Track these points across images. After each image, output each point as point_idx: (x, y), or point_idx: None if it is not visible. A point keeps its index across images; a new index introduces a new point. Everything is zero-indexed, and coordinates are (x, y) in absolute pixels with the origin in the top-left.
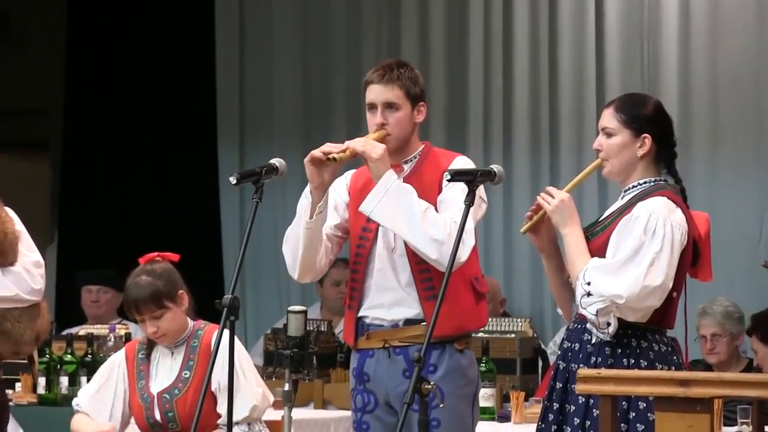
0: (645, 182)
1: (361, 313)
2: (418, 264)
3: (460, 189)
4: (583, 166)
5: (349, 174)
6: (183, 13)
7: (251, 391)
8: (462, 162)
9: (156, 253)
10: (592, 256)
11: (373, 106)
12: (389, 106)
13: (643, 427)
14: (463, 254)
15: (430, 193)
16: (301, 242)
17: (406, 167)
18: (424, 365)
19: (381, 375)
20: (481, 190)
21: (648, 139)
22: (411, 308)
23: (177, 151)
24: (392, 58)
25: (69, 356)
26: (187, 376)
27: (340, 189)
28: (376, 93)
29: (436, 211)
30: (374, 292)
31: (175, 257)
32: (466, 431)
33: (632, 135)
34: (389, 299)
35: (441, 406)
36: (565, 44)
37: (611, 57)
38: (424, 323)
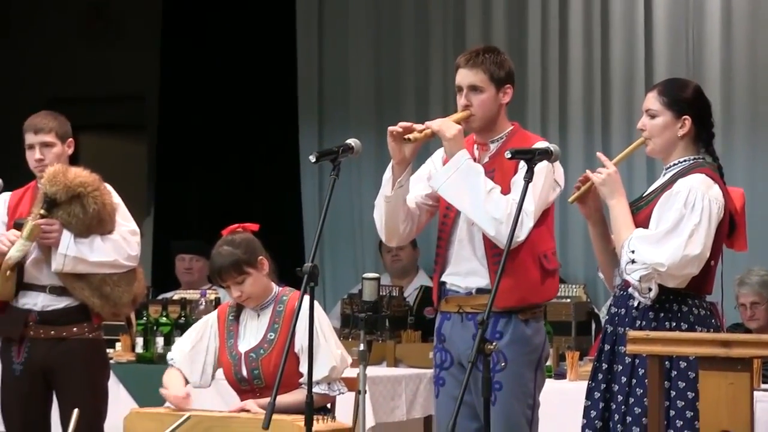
0: (685, 160)
1: (442, 279)
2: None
3: (536, 173)
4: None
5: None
6: (267, 5)
7: (331, 352)
8: (541, 144)
9: (237, 225)
10: (637, 227)
11: (459, 89)
12: (473, 88)
13: (684, 384)
14: (521, 234)
15: (508, 172)
16: (383, 211)
17: (492, 146)
18: (491, 332)
19: (455, 337)
20: (558, 175)
21: (688, 121)
22: (483, 278)
23: (261, 132)
24: (481, 45)
25: (164, 319)
26: (272, 337)
27: (436, 161)
28: (462, 76)
29: (508, 190)
30: (454, 261)
31: (255, 227)
32: (527, 395)
33: (673, 116)
34: (465, 268)
35: (502, 364)
36: (617, 32)
37: (658, 43)
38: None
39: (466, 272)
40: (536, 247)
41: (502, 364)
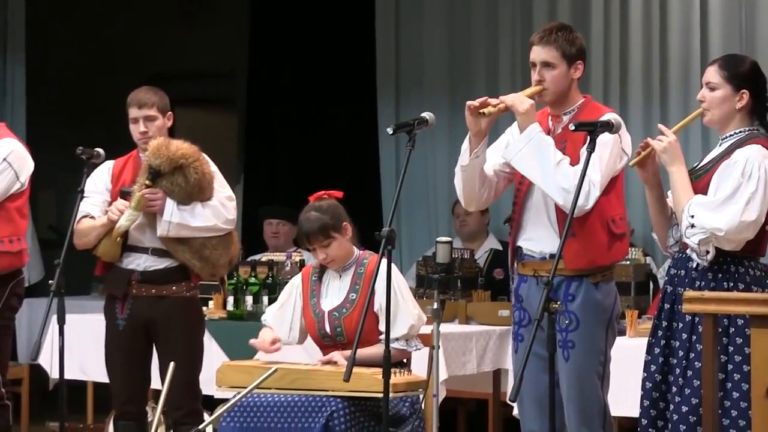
0: (741, 131)
1: (518, 243)
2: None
3: (599, 146)
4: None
5: None
6: None
7: (409, 312)
8: (608, 116)
9: (323, 192)
10: (695, 194)
11: (533, 65)
12: (546, 64)
13: (741, 340)
14: (588, 203)
15: (579, 142)
16: (461, 179)
17: (565, 118)
18: (564, 295)
19: (531, 298)
20: (626, 143)
21: (746, 94)
22: (555, 244)
23: (343, 106)
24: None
25: (253, 279)
26: (353, 298)
27: (514, 131)
28: (535, 53)
29: (577, 161)
30: (528, 226)
31: (339, 194)
32: (598, 353)
33: (732, 90)
34: (538, 234)
35: (572, 324)
36: (674, 10)
37: (713, 20)
38: (562, 257)
39: (540, 238)
40: (605, 213)
41: (572, 324)
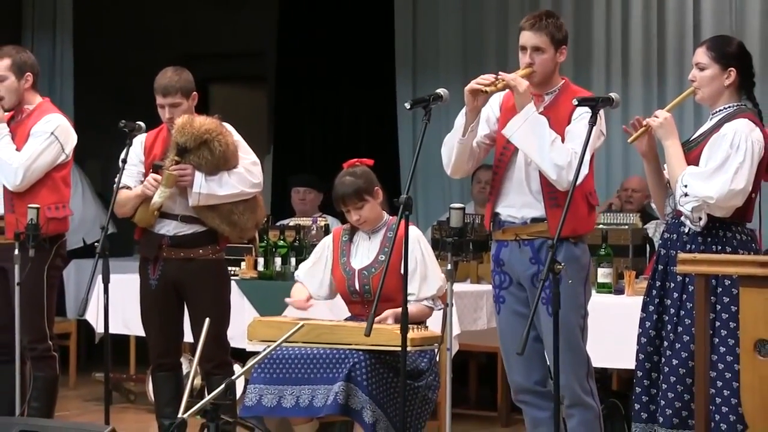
0: (729, 107)
1: (497, 210)
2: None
3: (584, 125)
4: None
5: (502, 94)
6: None
7: (438, 274)
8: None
9: (355, 159)
10: (688, 165)
11: (524, 48)
12: (536, 49)
13: (727, 299)
14: (579, 179)
15: (562, 121)
16: (455, 151)
17: (547, 98)
18: (545, 254)
19: (513, 261)
20: (602, 125)
21: (733, 72)
22: (536, 210)
23: (364, 83)
24: (543, 9)
25: (282, 242)
26: (382, 259)
27: (494, 105)
28: (526, 38)
29: (562, 137)
30: (510, 194)
31: (370, 162)
32: (579, 307)
33: (720, 68)
34: (520, 201)
35: (570, 282)
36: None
37: (706, 7)
38: (545, 221)
39: (521, 205)
40: (584, 188)
41: (568, 280)
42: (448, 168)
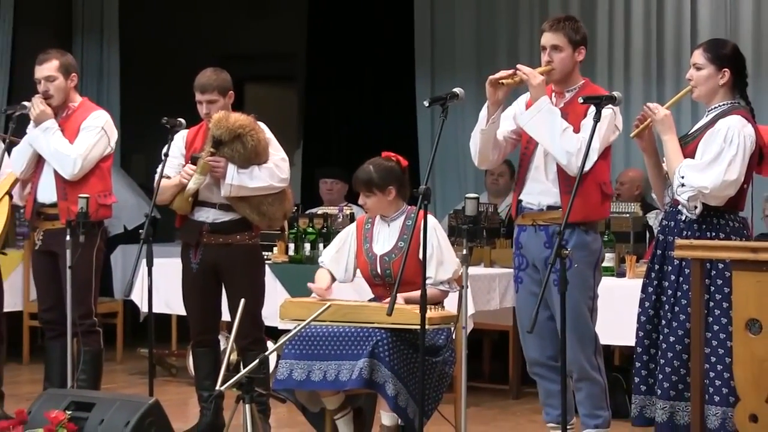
0: (724, 104)
1: (519, 197)
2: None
3: (601, 118)
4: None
5: (527, 95)
6: None
7: (453, 259)
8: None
9: (394, 154)
10: (685, 158)
11: (544, 48)
12: (555, 48)
13: (721, 281)
14: (587, 165)
15: (580, 117)
16: (479, 141)
17: (567, 95)
18: (557, 242)
19: (530, 245)
20: (619, 121)
21: (727, 72)
22: (552, 197)
23: (386, 82)
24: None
25: (310, 228)
26: (402, 245)
27: (520, 104)
28: (546, 38)
29: (577, 130)
30: (529, 183)
31: (404, 162)
32: (588, 290)
33: (715, 69)
34: (538, 189)
35: (576, 265)
36: (669, 3)
37: (702, 13)
38: (560, 209)
39: (539, 192)
40: (598, 177)
41: (568, 265)
42: (475, 159)
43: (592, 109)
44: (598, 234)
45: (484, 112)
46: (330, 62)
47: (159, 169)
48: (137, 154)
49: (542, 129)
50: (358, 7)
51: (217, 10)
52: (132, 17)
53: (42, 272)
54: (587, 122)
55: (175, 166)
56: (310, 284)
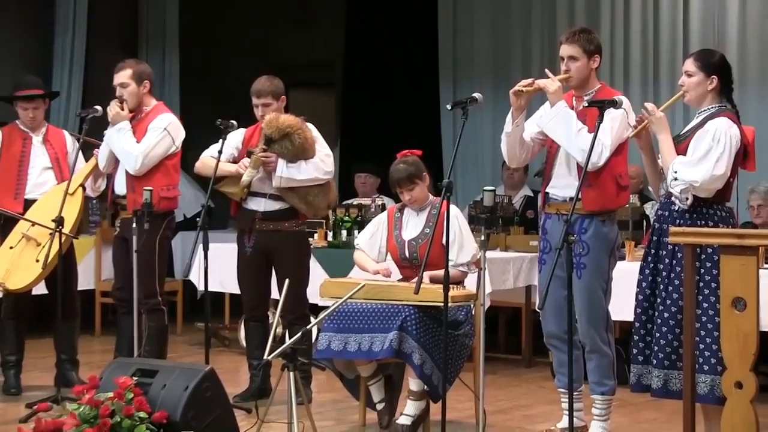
0: (712, 107)
1: (547, 190)
2: None
3: (611, 119)
4: None
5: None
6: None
7: (472, 244)
8: (616, 97)
9: (407, 150)
10: (678, 155)
11: (562, 59)
12: (571, 58)
13: (710, 264)
14: (600, 161)
15: (594, 117)
16: (506, 143)
17: (585, 99)
18: (579, 227)
19: (553, 231)
20: (631, 119)
21: (715, 79)
22: (574, 190)
23: (414, 88)
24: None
25: (347, 217)
26: (427, 232)
27: (546, 107)
28: (563, 50)
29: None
30: (555, 177)
31: (419, 152)
32: (603, 273)
33: (705, 76)
34: (562, 183)
35: (585, 252)
36: (664, 17)
37: (693, 26)
38: (580, 200)
39: (563, 185)
40: (614, 170)
41: (585, 250)
42: (506, 158)
43: (611, 110)
44: (615, 224)
45: (509, 118)
46: (364, 71)
47: (217, 152)
48: (193, 152)
49: (560, 130)
50: (390, 22)
51: (266, 23)
52: (191, 29)
53: (117, 255)
54: (603, 123)
55: (227, 155)
56: (371, 267)
